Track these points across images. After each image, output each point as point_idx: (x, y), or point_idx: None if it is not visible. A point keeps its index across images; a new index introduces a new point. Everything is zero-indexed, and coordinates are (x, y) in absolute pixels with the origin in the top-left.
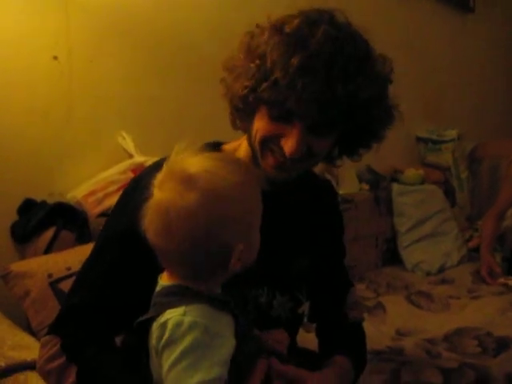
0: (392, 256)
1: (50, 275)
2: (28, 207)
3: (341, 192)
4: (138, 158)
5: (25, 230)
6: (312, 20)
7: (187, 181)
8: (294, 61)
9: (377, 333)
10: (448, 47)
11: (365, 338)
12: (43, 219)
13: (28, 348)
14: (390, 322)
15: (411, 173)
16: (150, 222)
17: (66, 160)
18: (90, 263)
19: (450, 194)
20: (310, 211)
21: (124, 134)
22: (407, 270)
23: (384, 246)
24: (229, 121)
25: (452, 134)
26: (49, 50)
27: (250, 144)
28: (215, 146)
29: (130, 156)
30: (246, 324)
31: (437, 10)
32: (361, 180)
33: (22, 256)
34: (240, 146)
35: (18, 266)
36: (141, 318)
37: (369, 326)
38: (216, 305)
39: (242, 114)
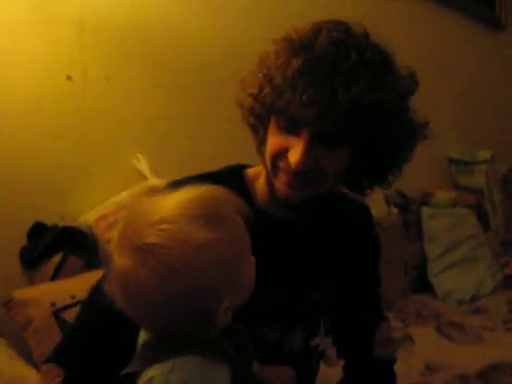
0: (422, 283)
1: (53, 303)
2: (38, 231)
3: None
4: (153, 181)
5: (32, 254)
6: (321, 27)
7: (142, 251)
8: (295, 63)
9: (405, 367)
10: (480, 65)
11: (394, 382)
12: (51, 244)
13: (26, 381)
14: (419, 355)
15: (442, 196)
16: (112, 288)
17: (79, 182)
18: (93, 291)
19: (483, 218)
20: (340, 237)
21: (139, 156)
22: (438, 298)
23: (413, 272)
24: (248, 145)
25: (485, 154)
26: (62, 70)
27: (265, 165)
28: (238, 170)
29: (145, 179)
30: (244, 368)
31: (467, 27)
32: (389, 203)
33: (31, 282)
34: (262, 170)
35: (21, 294)
36: (124, 371)
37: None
38: (210, 355)
39: (256, 132)
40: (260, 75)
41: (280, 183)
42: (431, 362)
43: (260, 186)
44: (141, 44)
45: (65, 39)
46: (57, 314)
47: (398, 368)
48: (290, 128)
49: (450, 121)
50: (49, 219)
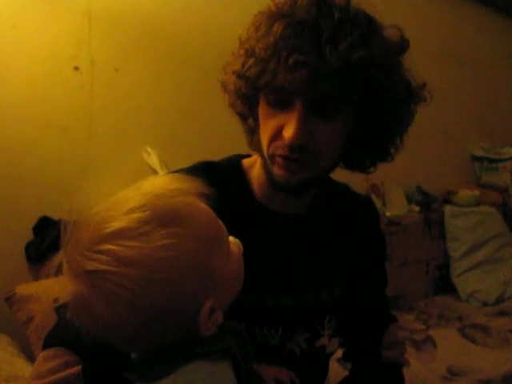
0: (444, 284)
1: (55, 300)
2: (44, 226)
3: (388, 214)
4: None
5: (38, 250)
6: None
7: (89, 277)
8: (277, 29)
9: (426, 371)
10: (505, 61)
11: None
12: (57, 239)
13: (24, 380)
14: (441, 358)
15: (465, 194)
16: (77, 316)
17: (87, 176)
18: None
19: (508, 217)
20: (344, 232)
21: (149, 150)
22: (461, 299)
23: (436, 272)
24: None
25: (510, 151)
26: (70, 61)
27: (261, 153)
28: (236, 161)
29: (155, 172)
30: (246, 366)
31: (490, 19)
32: (410, 201)
33: (36, 278)
34: (256, 161)
35: (23, 289)
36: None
37: (416, 364)
38: (214, 356)
39: (245, 121)
40: (242, 51)
41: (278, 168)
42: (454, 366)
43: (256, 177)
44: (150, 34)
45: (72, 30)
46: (59, 310)
47: (419, 372)
48: (281, 102)
49: (472, 117)
50: (55, 214)
